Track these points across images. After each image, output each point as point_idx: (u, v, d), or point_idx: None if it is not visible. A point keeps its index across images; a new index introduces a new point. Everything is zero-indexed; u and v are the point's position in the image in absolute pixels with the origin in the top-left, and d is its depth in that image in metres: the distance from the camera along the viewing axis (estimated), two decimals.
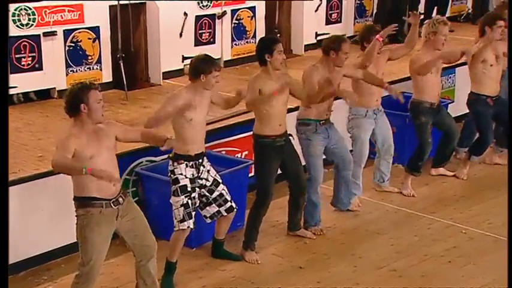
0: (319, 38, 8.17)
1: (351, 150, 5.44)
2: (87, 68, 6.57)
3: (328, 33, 8.17)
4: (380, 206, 5.62)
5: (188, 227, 4.44)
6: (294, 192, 4.99)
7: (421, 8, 8.86)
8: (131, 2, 6.62)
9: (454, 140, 5.86)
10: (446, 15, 8.86)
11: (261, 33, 7.82)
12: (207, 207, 4.60)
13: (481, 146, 5.97)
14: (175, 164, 4.45)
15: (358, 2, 8.60)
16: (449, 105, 6.38)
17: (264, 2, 7.79)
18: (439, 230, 5.20)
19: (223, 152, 5.52)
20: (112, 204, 3.80)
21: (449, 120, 5.82)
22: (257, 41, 5.33)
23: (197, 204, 4.52)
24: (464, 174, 6.07)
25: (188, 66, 4.59)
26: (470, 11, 9.42)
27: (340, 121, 5.46)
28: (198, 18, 7.28)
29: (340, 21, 8.45)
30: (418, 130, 5.71)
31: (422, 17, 8.79)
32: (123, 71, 6.48)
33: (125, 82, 6.43)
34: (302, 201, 5.02)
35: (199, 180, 4.51)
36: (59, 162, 3.64)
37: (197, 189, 4.50)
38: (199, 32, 7.35)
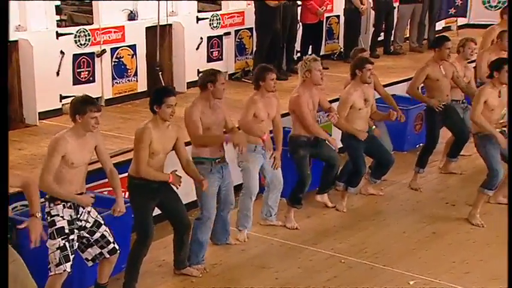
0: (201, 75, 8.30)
1: (242, 184, 5.54)
2: None
3: None
4: (265, 240, 5.72)
5: (65, 270, 4.28)
6: (178, 231, 4.97)
7: (298, 46, 9.27)
8: None
9: (334, 165, 6.10)
10: (321, 53, 9.35)
11: (142, 71, 7.81)
12: (89, 249, 4.47)
13: (355, 177, 6.27)
14: (52, 205, 4.32)
15: (238, 40, 8.84)
16: None
17: (145, 40, 7.80)
18: (320, 261, 5.37)
19: (106, 193, 5.38)
20: None
21: (327, 150, 6.06)
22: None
23: (76, 247, 4.38)
24: (343, 206, 6.33)
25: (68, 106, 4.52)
26: (342, 49, 9.99)
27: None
28: (75, 56, 7.15)
29: (222, 59, 8.63)
30: (298, 163, 5.92)
31: (299, 54, 9.30)
32: None
33: None
34: (186, 238, 5.01)
35: (78, 222, 4.38)
36: None
37: (76, 231, 4.37)
38: (78, 70, 7.22)
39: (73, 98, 4.48)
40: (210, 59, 8.49)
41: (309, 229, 5.96)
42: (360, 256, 5.40)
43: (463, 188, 6.70)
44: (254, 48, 8.75)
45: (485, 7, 12.20)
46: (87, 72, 7.31)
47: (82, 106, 4.28)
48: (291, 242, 5.69)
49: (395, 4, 10.33)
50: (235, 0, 8.84)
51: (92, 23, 7.51)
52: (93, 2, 7.57)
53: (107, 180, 5.33)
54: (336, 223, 6.10)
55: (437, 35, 8.01)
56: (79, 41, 7.20)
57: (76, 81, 7.20)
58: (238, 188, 5.66)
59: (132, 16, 7.74)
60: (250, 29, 8.83)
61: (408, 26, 10.60)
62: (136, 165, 4.69)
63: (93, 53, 7.31)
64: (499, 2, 12.03)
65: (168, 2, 7.89)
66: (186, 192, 5.20)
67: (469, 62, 7.18)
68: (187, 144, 5.10)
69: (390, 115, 6.22)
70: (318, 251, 5.52)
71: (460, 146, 6.89)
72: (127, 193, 4.95)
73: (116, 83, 7.61)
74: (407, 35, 10.70)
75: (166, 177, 4.72)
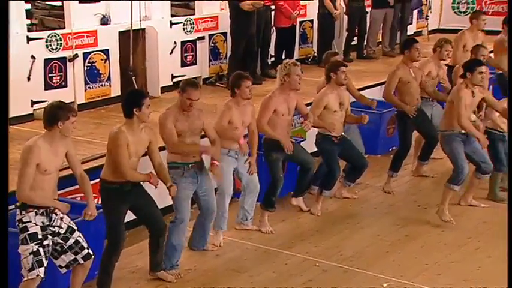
0: (175, 79, 8.26)
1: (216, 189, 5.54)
2: None
3: (184, 75, 8.35)
4: (240, 245, 5.72)
5: (38, 275, 4.23)
6: (153, 234, 4.96)
7: (272, 50, 9.31)
8: None
9: (309, 169, 6.12)
10: (294, 57, 9.39)
11: (115, 75, 7.75)
12: (62, 256, 4.43)
13: (330, 180, 6.30)
14: (24, 212, 4.29)
15: (212, 44, 8.83)
16: (301, 142, 6.72)
17: (118, 44, 7.75)
18: (295, 265, 5.38)
19: (78, 199, 5.33)
20: None
21: (302, 154, 6.08)
22: (125, 95, 5.23)
23: (50, 252, 4.35)
24: (318, 210, 6.36)
25: (42, 114, 4.45)
26: (316, 54, 10.05)
27: None
28: (47, 61, 7.08)
29: (196, 63, 8.61)
30: (270, 166, 5.94)
31: (273, 59, 9.34)
32: None
33: None
34: (162, 240, 5.00)
35: (51, 228, 4.35)
36: None
37: (49, 236, 4.33)
38: (50, 75, 7.14)
39: (47, 105, 4.45)
40: (184, 64, 8.47)
41: (283, 233, 5.97)
42: (335, 259, 5.43)
43: (435, 191, 6.78)
44: (228, 53, 8.74)
45: (455, 12, 12.47)
46: (59, 77, 7.24)
47: (64, 112, 4.29)
48: (266, 246, 5.70)
49: (368, 9, 10.45)
50: (209, 0, 8.83)
51: (64, 27, 7.44)
52: (64, 6, 7.50)
53: (78, 186, 5.33)
54: (311, 227, 6.13)
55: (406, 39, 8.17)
56: (50, 45, 7.13)
57: (48, 86, 7.13)
58: None
59: (104, 20, 7.69)
60: (224, 34, 8.83)
61: (381, 31, 10.73)
62: (116, 168, 4.66)
63: (65, 57, 7.24)
64: (468, 8, 12.28)
65: (142, 5, 7.85)
66: (164, 195, 5.18)
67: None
68: (161, 149, 5.09)
69: (362, 118, 6.30)
70: (292, 255, 5.53)
71: (431, 149, 6.99)
72: (99, 198, 4.92)
73: (89, 87, 7.55)
74: (380, 40, 10.83)
75: (147, 178, 4.74)
